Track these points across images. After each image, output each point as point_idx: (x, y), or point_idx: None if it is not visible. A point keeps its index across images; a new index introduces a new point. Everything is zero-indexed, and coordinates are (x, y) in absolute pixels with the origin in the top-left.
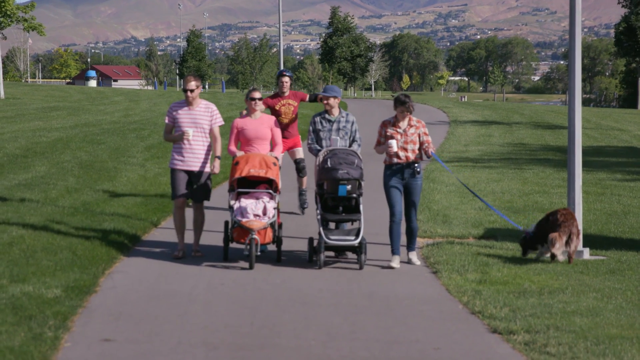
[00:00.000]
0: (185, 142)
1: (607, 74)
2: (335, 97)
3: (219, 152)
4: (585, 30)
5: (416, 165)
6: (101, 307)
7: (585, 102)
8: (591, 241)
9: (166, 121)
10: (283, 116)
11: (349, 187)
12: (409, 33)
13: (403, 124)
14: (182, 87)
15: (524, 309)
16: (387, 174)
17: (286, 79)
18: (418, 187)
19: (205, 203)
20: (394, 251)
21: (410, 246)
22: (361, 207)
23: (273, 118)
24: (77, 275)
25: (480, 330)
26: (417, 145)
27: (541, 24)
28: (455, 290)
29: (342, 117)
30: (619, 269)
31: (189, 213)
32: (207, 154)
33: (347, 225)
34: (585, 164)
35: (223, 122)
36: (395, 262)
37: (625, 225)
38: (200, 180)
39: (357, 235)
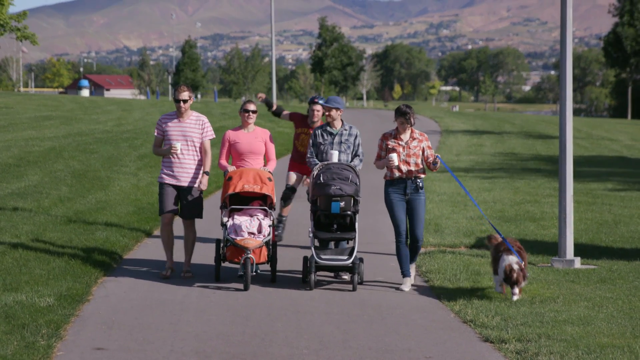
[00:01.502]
0: (174, 156)
1: (598, 84)
2: (337, 108)
3: (208, 168)
4: (575, 40)
5: (419, 180)
6: (94, 315)
7: (576, 112)
8: (582, 250)
9: (155, 134)
10: (299, 144)
11: (342, 203)
12: (401, 43)
13: (405, 137)
14: (173, 97)
15: (516, 318)
16: (389, 191)
17: (317, 108)
18: (422, 202)
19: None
20: (404, 273)
21: (412, 258)
22: (357, 225)
23: (267, 132)
24: (69, 284)
25: (472, 339)
26: (420, 159)
27: (532, 34)
28: (447, 299)
29: (345, 129)
30: (610, 278)
31: (178, 229)
32: (197, 169)
33: (345, 244)
34: (576, 174)
35: (214, 136)
36: (407, 286)
37: (616, 235)
38: (190, 196)
39: (351, 254)
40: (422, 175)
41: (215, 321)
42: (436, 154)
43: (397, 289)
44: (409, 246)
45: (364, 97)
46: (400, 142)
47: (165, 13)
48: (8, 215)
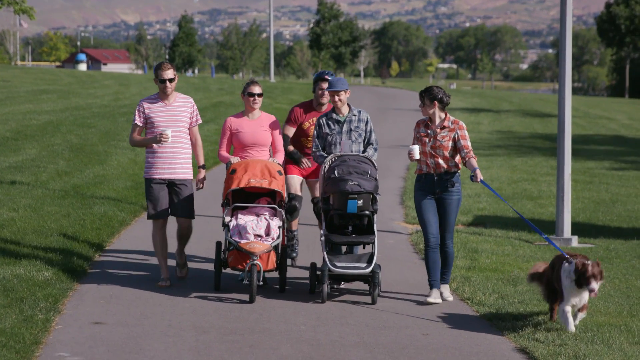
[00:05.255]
0: (163, 144)
1: (595, 62)
2: (346, 90)
3: (202, 160)
4: (573, 19)
5: (450, 175)
6: (92, 290)
7: (574, 91)
8: (579, 229)
9: (136, 121)
10: (309, 139)
11: (360, 202)
12: (399, 20)
13: (435, 125)
14: (156, 77)
15: (513, 296)
16: (417, 187)
17: (326, 85)
18: (453, 203)
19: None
20: (432, 284)
21: (443, 277)
22: (375, 227)
23: (274, 119)
24: (67, 258)
25: (469, 316)
26: (450, 152)
27: (530, 12)
28: None
29: (354, 115)
30: (607, 257)
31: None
32: (190, 157)
33: (359, 249)
34: (574, 153)
35: (201, 121)
36: (434, 297)
37: (613, 214)
38: (184, 190)
39: (370, 261)
40: (456, 170)
41: (213, 296)
42: (480, 178)
43: (421, 303)
44: (440, 254)
45: (362, 74)
46: (428, 132)
47: None
48: (6, 188)
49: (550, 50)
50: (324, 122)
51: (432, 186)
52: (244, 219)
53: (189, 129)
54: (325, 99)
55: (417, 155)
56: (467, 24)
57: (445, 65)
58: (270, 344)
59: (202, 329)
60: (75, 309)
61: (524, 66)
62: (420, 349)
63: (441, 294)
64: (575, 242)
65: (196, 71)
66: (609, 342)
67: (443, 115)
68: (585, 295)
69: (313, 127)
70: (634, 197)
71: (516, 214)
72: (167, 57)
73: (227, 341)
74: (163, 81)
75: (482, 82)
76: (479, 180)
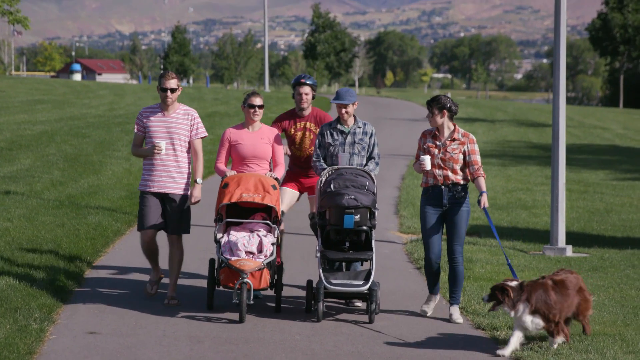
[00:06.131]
0: (157, 157)
1: (590, 72)
2: (353, 102)
3: (200, 175)
4: (568, 29)
5: (459, 187)
6: (86, 300)
7: (568, 101)
8: (574, 239)
9: (135, 130)
10: (297, 146)
11: (357, 217)
12: (394, 30)
13: (444, 136)
14: (158, 85)
15: None
16: (424, 201)
17: (306, 90)
18: (463, 215)
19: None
20: (429, 290)
21: (453, 297)
22: (373, 243)
23: (276, 131)
24: (62, 268)
25: (464, 326)
26: (460, 165)
27: (524, 22)
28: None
29: (359, 127)
30: (602, 267)
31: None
32: (186, 173)
33: (358, 266)
34: (569, 162)
35: (206, 134)
36: (429, 306)
37: (607, 223)
38: (176, 206)
39: (367, 279)
40: (465, 182)
41: (207, 311)
42: (484, 205)
43: (417, 313)
44: (448, 271)
45: (356, 84)
46: (437, 143)
47: None
48: (0, 198)
49: (544, 60)
50: (328, 132)
51: (440, 199)
52: (236, 235)
53: (189, 140)
54: (305, 103)
55: (428, 166)
56: (462, 34)
57: (440, 75)
58: (264, 354)
59: (197, 338)
60: (70, 319)
61: (519, 76)
62: (414, 359)
63: (450, 315)
64: (569, 251)
65: (191, 81)
66: (603, 352)
67: (452, 126)
68: (524, 320)
69: (298, 133)
70: (629, 206)
71: (511, 224)
72: (161, 67)
73: (222, 351)
74: (164, 90)
75: (476, 91)
76: (482, 207)
